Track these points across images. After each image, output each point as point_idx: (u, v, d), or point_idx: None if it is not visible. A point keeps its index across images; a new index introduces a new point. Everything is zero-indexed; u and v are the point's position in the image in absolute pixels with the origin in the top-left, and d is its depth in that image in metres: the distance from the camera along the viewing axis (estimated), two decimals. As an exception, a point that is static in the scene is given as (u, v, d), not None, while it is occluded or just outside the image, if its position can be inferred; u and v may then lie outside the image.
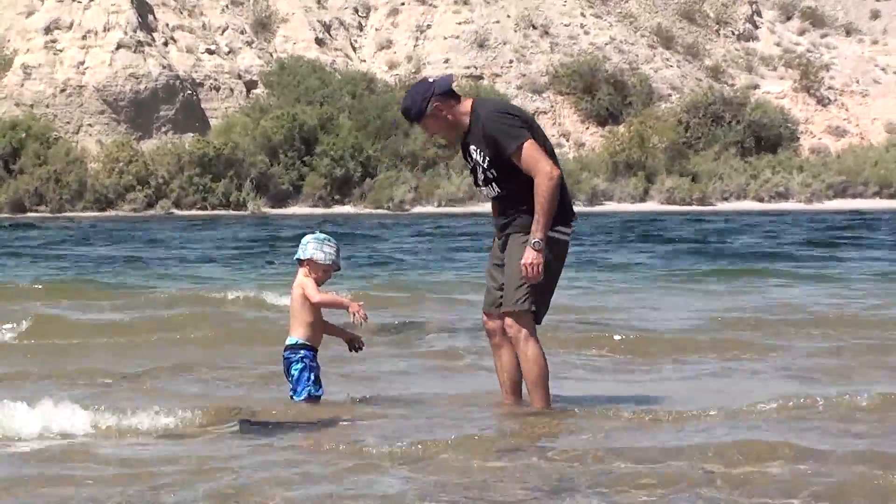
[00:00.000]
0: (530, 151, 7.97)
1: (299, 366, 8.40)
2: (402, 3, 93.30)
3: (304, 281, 8.43)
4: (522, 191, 8.05)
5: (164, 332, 12.64)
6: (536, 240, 7.92)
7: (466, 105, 8.21)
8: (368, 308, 8.65)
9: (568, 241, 8.25)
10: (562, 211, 8.12)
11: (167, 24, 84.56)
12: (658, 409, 8.21)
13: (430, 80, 8.33)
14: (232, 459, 6.83)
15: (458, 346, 11.53)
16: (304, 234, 8.74)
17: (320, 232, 8.63)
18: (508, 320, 8.12)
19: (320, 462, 6.78)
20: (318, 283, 8.44)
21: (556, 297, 8.52)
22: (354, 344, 8.60)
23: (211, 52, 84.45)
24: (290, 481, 6.30)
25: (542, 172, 7.93)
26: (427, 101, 8.12)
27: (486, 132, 8.08)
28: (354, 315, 8.32)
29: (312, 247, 8.41)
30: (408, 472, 6.57)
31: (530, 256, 7.92)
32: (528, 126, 8.10)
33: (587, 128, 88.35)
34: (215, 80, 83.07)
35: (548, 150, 8.15)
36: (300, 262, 8.47)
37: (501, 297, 8.18)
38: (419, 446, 7.08)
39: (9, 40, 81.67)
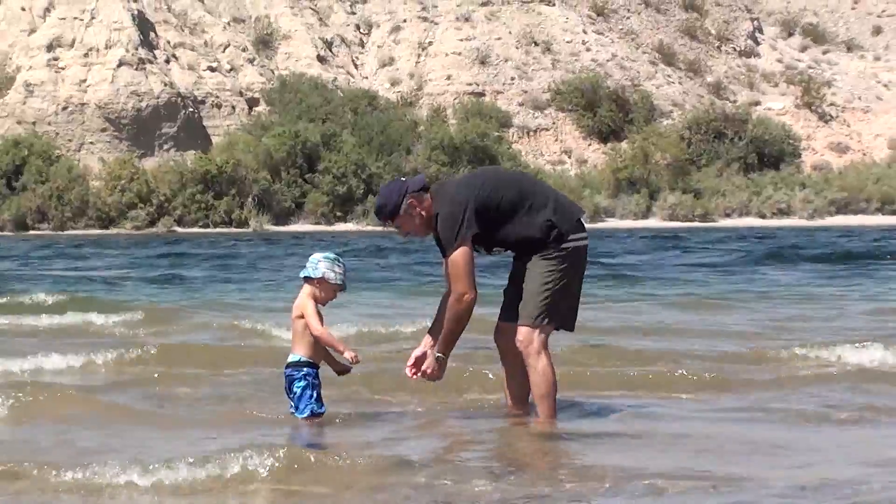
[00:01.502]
0: (455, 263, 8.06)
1: (302, 383, 8.37)
2: (404, 21, 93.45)
3: (306, 304, 8.39)
4: (519, 232, 8.15)
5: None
6: (439, 354, 8.20)
7: (430, 200, 8.24)
8: None
9: (584, 245, 8.28)
10: (574, 219, 8.24)
11: (169, 42, 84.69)
12: None
13: (403, 179, 8.39)
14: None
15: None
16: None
17: (330, 252, 8.62)
18: (521, 333, 8.14)
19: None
20: (324, 302, 8.44)
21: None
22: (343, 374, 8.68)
23: (213, 70, 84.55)
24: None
25: (455, 292, 8.08)
26: (402, 197, 8.16)
27: (439, 233, 8.17)
28: (350, 359, 8.32)
29: (325, 266, 8.41)
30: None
31: (430, 365, 8.21)
32: (485, 208, 8.07)
33: (589, 144, 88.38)
34: (217, 97, 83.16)
35: (529, 196, 8.16)
36: (308, 280, 8.45)
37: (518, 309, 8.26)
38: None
39: (11, 58, 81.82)
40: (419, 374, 8.32)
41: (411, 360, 8.32)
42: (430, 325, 8.49)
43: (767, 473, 6.72)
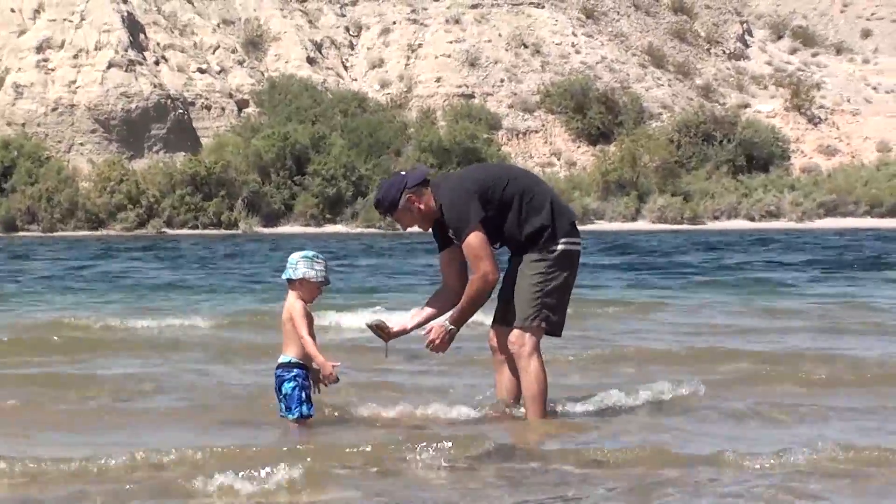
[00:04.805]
0: (471, 245, 8.04)
1: (292, 384, 8.36)
2: (394, 23, 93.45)
3: (294, 306, 8.38)
4: (515, 228, 8.17)
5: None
6: (452, 328, 8.17)
7: (429, 194, 8.22)
8: None
9: (578, 250, 8.31)
10: (569, 222, 8.26)
11: (158, 44, 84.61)
12: None
13: (403, 173, 8.36)
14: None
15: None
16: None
17: (307, 250, 8.58)
18: (513, 335, 8.15)
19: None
20: (310, 301, 8.42)
21: None
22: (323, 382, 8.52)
23: (202, 71, 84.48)
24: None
25: (479, 273, 8.04)
26: (400, 192, 8.15)
27: (447, 222, 8.16)
28: (324, 378, 8.26)
29: (304, 265, 8.37)
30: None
31: (439, 334, 8.16)
32: (486, 199, 8.08)
33: (578, 147, 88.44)
34: (207, 98, 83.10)
35: (528, 193, 8.17)
36: (290, 282, 8.43)
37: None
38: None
39: (0, 59, 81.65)
40: (428, 345, 8.28)
41: (427, 331, 8.28)
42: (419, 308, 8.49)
43: None
